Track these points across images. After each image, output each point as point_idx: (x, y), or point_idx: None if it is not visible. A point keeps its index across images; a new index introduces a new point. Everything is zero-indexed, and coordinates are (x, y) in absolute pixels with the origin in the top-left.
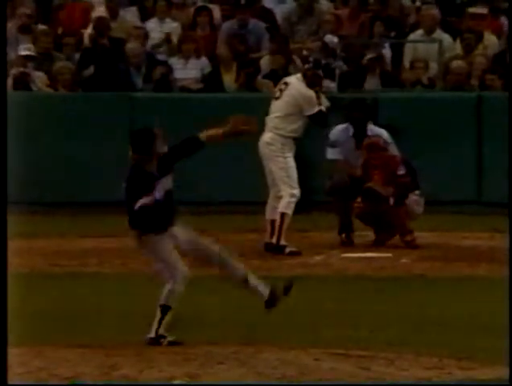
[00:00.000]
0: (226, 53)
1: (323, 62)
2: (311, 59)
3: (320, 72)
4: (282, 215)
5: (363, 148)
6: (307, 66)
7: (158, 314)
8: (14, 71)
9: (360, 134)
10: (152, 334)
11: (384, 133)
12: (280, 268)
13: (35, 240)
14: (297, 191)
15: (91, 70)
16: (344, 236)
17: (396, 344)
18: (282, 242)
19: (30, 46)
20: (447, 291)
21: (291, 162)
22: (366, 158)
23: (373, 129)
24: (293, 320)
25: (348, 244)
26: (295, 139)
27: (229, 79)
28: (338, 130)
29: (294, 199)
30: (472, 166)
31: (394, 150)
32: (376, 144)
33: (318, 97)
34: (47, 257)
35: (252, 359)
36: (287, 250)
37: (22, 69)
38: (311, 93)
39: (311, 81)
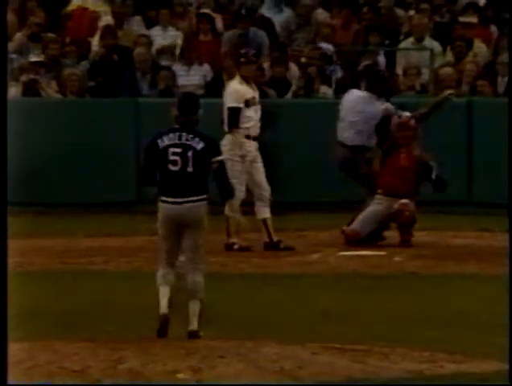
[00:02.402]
0: (229, 62)
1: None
2: (242, 51)
3: (250, 58)
4: (227, 217)
5: (394, 126)
6: (242, 59)
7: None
8: (24, 78)
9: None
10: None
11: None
12: (279, 267)
13: (44, 239)
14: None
15: (99, 79)
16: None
17: (390, 339)
18: (232, 240)
19: (40, 53)
20: (438, 288)
21: (236, 166)
22: (394, 136)
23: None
24: (291, 316)
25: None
26: (247, 137)
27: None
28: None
29: (235, 201)
30: (463, 168)
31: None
32: (407, 123)
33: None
34: (56, 256)
35: (252, 354)
36: (236, 247)
37: (32, 76)
38: (237, 88)
39: (241, 69)
